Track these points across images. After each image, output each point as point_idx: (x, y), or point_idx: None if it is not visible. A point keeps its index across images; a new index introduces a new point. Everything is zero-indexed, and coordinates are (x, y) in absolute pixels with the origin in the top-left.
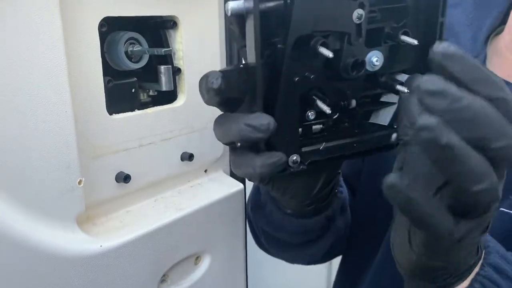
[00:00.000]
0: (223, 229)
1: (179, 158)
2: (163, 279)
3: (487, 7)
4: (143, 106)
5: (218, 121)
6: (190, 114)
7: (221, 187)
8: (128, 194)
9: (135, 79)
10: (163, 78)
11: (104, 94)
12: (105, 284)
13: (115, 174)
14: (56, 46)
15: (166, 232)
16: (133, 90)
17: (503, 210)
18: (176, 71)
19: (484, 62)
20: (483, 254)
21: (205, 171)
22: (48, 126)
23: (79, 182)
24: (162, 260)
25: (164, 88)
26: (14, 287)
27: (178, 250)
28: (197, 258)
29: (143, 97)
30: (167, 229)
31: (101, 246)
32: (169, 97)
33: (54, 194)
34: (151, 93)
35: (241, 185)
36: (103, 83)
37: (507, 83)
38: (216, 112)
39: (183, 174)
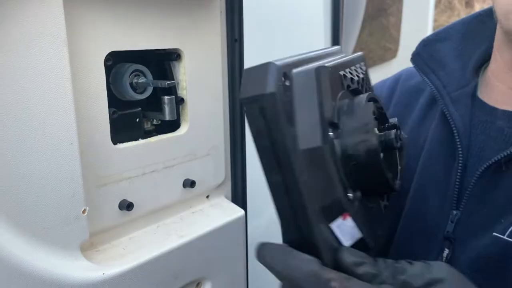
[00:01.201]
0: (224, 255)
1: (181, 185)
2: None
3: (476, 39)
4: (147, 134)
5: None
6: (192, 142)
7: (223, 213)
8: (131, 221)
9: (139, 109)
10: (167, 108)
11: (108, 125)
12: None
13: (118, 202)
14: (63, 80)
15: (167, 259)
16: (137, 120)
17: (496, 235)
18: (180, 101)
19: (474, 91)
20: None
21: (207, 197)
22: (54, 157)
23: (84, 211)
24: (163, 286)
25: (167, 118)
26: None
27: (180, 277)
28: (198, 285)
29: (147, 125)
30: (169, 256)
31: (103, 273)
32: (172, 125)
33: (59, 222)
34: (154, 122)
35: (242, 211)
36: (108, 114)
37: (495, 109)
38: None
39: (185, 201)
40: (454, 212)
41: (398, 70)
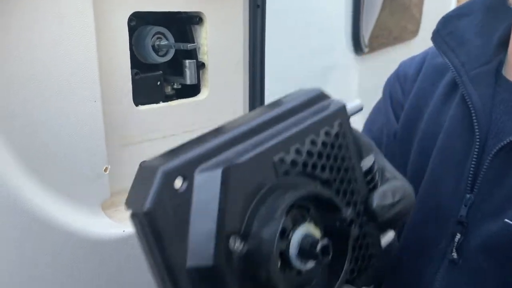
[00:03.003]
0: None
1: None
2: None
3: (500, 13)
4: (168, 98)
5: None
6: (213, 108)
7: None
8: None
9: (160, 72)
10: (188, 72)
11: (131, 85)
12: (126, 267)
13: (139, 163)
14: (88, 40)
15: None
16: (158, 83)
17: (507, 222)
18: (200, 66)
19: (496, 68)
20: None
21: None
22: (78, 116)
23: (105, 169)
24: None
25: (188, 82)
26: (40, 264)
27: None
28: None
29: (167, 90)
30: None
31: (124, 231)
32: (193, 90)
33: (82, 179)
34: (175, 86)
35: None
36: (130, 75)
37: None
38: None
39: None
40: (468, 195)
41: (417, 51)
